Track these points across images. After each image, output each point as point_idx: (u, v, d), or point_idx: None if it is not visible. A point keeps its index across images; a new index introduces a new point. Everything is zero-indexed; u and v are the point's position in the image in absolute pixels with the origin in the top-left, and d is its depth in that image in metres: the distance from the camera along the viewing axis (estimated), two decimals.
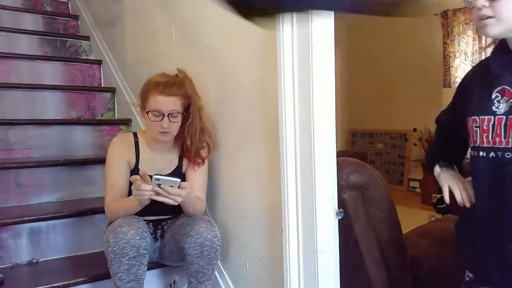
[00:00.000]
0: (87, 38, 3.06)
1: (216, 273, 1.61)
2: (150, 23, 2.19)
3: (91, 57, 2.98)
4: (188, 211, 1.53)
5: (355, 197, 1.35)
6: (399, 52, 5.33)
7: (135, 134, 1.64)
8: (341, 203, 1.26)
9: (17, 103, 2.32)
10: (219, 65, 1.63)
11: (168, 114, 1.48)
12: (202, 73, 1.68)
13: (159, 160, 1.58)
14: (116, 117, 2.63)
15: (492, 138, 0.98)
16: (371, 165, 1.45)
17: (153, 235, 1.61)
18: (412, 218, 2.81)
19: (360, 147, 5.96)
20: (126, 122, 2.44)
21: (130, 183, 1.50)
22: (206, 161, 1.62)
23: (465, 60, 4.66)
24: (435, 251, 1.65)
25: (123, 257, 1.32)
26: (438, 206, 3.61)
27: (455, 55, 4.73)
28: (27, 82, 2.47)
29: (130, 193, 1.48)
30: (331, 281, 1.21)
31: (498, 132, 0.97)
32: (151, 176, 1.33)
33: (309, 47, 1.15)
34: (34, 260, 1.71)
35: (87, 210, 1.82)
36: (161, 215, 1.62)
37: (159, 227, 1.62)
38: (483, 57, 1.18)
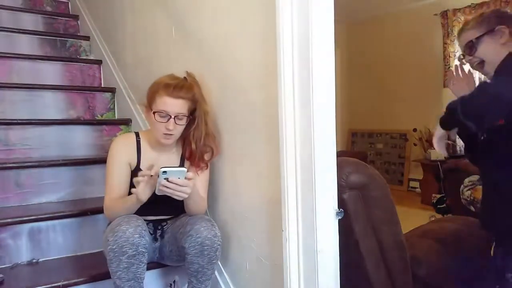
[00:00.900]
0: (87, 38, 3.06)
1: (216, 273, 1.61)
2: (150, 23, 2.19)
3: (91, 57, 2.98)
4: (191, 208, 1.53)
5: (355, 197, 1.35)
6: (399, 52, 5.33)
7: (137, 134, 1.63)
8: (341, 203, 1.26)
9: (17, 103, 2.32)
10: (219, 65, 1.63)
11: (174, 116, 1.49)
12: (202, 73, 1.68)
13: (161, 160, 1.58)
14: (116, 117, 2.63)
15: None
16: (371, 165, 1.45)
17: (153, 235, 1.61)
18: (412, 218, 2.82)
19: (360, 147, 5.96)
20: (126, 122, 2.44)
21: (131, 185, 1.51)
22: (209, 164, 1.63)
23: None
24: (435, 251, 1.65)
25: (122, 256, 1.32)
26: (438, 206, 3.62)
27: (455, 55, 4.74)
28: (27, 82, 2.47)
29: (130, 194, 1.49)
30: (331, 281, 1.21)
31: None
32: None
33: (309, 47, 1.15)
34: (34, 260, 1.71)
35: (87, 210, 1.82)
36: (161, 215, 1.62)
37: (159, 227, 1.62)
38: None
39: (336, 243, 1.21)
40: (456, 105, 1.17)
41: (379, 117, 5.66)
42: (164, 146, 1.59)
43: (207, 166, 1.61)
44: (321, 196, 1.17)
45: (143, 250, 1.36)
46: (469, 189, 2.41)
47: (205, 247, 1.42)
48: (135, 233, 1.34)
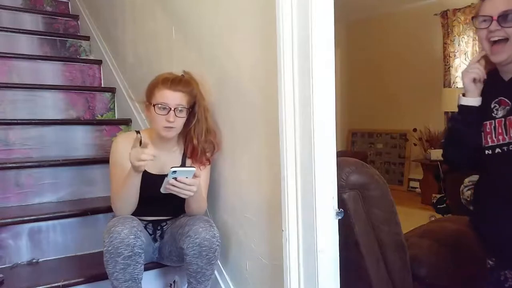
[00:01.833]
0: (87, 38, 3.06)
1: (216, 273, 1.61)
2: (150, 23, 2.19)
3: (91, 57, 2.98)
4: (192, 208, 1.54)
5: (355, 197, 1.35)
6: (399, 52, 5.33)
7: (137, 132, 1.63)
8: (341, 203, 1.26)
9: (17, 103, 2.32)
10: (219, 65, 1.63)
11: (174, 108, 1.49)
12: (202, 73, 1.68)
13: (163, 158, 1.58)
14: (116, 117, 2.63)
15: (495, 137, 1.22)
16: (371, 165, 1.45)
17: (152, 236, 1.61)
18: (412, 218, 2.82)
19: (360, 147, 5.96)
20: (126, 122, 2.44)
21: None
22: (211, 161, 1.63)
23: (465, 60, 4.67)
24: (435, 251, 1.65)
25: (118, 257, 1.32)
26: (438, 206, 3.62)
27: (455, 55, 4.74)
28: (27, 82, 2.47)
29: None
30: (331, 281, 1.20)
31: (500, 131, 1.21)
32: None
33: (309, 47, 1.15)
34: (34, 260, 1.71)
35: (87, 210, 1.82)
36: (161, 216, 1.62)
37: (159, 228, 1.62)
38: None
39: (336, 243, 1.21)
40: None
41: (379, 117, 5.66)
42: (165, 143, 1.59)
43: (209, 162, 1.61)
44: (321, 196, 1.17)
45: (139, 251, 1.35)
46: (469, 189, 2.41)
47: (204, 248, 1.41)
48: (130, 234, 1.34)
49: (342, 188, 1.30)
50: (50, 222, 1.75)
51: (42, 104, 2.40)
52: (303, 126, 1.19)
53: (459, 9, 4.69)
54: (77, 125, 2.35)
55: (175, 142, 1.62)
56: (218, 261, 1.55)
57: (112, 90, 2.64)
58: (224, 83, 1.61)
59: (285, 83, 1.21)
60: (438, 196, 3.86)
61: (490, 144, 1.22)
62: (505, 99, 1.22)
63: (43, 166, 1.96)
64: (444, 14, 4.82)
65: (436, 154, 4.22)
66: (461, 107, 1.29)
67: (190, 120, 1.57)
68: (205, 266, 1.43)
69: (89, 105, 2.57)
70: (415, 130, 5.06)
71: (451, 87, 4.69)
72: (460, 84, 4.45)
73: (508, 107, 1.21)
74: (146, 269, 1.42)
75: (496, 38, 1.18)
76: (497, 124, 1.21)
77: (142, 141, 1.39)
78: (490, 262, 1.24)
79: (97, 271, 1.58)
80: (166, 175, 1.37)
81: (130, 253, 1.33)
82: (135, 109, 2.35)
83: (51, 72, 2.64)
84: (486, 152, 1.23)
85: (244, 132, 1.52)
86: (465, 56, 4.67)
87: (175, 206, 1.58)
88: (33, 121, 2.22)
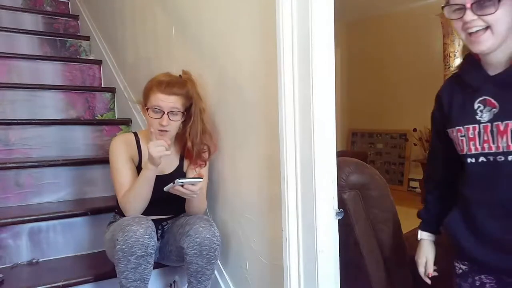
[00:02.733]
0: (87, 38, 3.06)
1: (216, 273, 1.61)
2: (150, 23, 2.19)
3: (91, 57, 2.98)
4: (193, 207, 1.54)
5: (355, 197, 1.35)
6: (399, 52, 5.33)
7: (135, 134, 1.64)
8: (341, 203, 1.26)
9: (17, 103, 2.32)
10: (219, 65, 1.63)
11: (168, 112, 1.49)
12: (202, 73, 1.68)
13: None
14: (116, 117, 2.63)
15: (480, 145, 1.05)
16: (371, 165, 1.45)
17: None
18: (412, 218, 2.81)
19: (360, 147, 5.96)
20: (126, 122, 2.44)
21: None
22: (207, 162, 1.63)
23: None
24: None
25: (131, 256, 1.32)
26: None
27: (455, 55, 4.73)
28: (27, 82, 2.47)
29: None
30: (331, 281, 1.21)
31: (486, 138, 1.04)
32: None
33: (309, 47, 1.15)
34: (34, 260, 1.71)
35: (87, 210, 1.82)
36: (162, 215, 1.62)
37: (160, 227, 1.62)
38: None
39: (336, 243, 1.21)
40: None
41: (379, 117, 5.65)
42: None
43: (205, 164, 1.61)
44: (321, 196, 1.17)
45: (152, 251, 1.36)
46: None
47: (204, 247, 1.41)
48: (146, 234, 1.34)
49: (342, 188, 1.31)
50: (50, 222, 1.75)
51: (42, 104, 2.40)
52: (303, 126, 1.19)
53: None
54: (77, 125, 2.35)
55: (172, 143, 1.62)
56: (218, 261, 1.55)
57: (112, 90, 2.64)
58: (224, 83, 1.61)
59: (285, 83, 1.21)
60: None
61: (473, 151, 1.06)
62: (492, 100, 1.03)
63: (43, 166, 1.96)
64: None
65: None
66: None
67: (186, 121, 1.57)
68: (205, 265, 1.43)
69: (89, 105, 2.57)
70: (415, 130, 5.06)
71: None
72: None
73: (495, 110, 1.02)
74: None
75: (474, 29, 0.99)
76: (483, 130, 1.04)
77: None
78: (463, 267, 1.16)
79: (97, 271, 1.58)
80: (164, 175, 1.38)
81: (143, 253, 1.33)
82: (135, 109, 2.35)
83: (51, 72, 2.64)
84: (469, 160, 1.07)
85: (244, 131, 1.52)
86: None
87: (176, 205, 1.59)
88: (33, 121, 2.22)
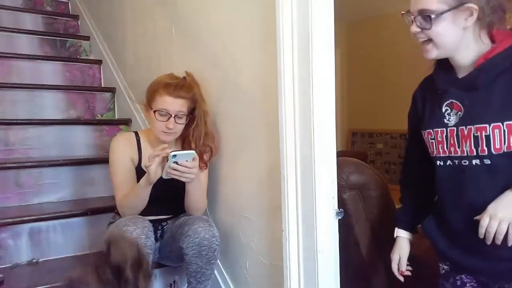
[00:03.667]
0: (87, 38, 3.06)
1: (216, 273, 1.61)
2: (150, 23, 2.19)
3: (91, 57, 2.97)
4: (192, 206, 1.54)
5: (355, 197, 1.35)
6: (399, 52, 5.32)
7: (136, 133, 1.64)
8: (341, 203, 1.26)
9: (17, 103, 2.32)
10: (219, 65, 1.63)
11: (174, 115, 1.49)
12: (202, 73, 1.68)
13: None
14: (116, 117, 2.62)
15: (447, 148, 1.06)
16: (371, 165, 1.45)
17: (153, 236, 1.61)
18: None
19: (360, 147, 5.96)
20: (126, 122, 2.44)
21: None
22: (208, 164, 1.63)
23: None
24: (435, 251, 1.65)
25: None
26: None
27: None
28: (27, 82, 2.46)
29: None
30: (331, 281, 1.21)
31: (452, 142, 1.04)
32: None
33: (309, 47, 1.15)
34: (34, 260, 1.70)
35: (87, 210, 1.82)
36: (162, 215, 1.62)
37: (159, 228, 1.62)
38: None
39: (336, 243, 1.21)
40: None
41: (379, 117, 5.65)
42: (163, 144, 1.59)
43: (206, 166, 1.61)
44: (321, 196, 1.17)
45: (149, 252, 1.36)
46: None
47: (203, 248, 1.41)
48: (142, 234, 1.34)
49: (342, 188, 1.31)
50: (50, 222, 1.75)
51: (42, 104, 2.40)
52: (303, 126, 1.19)
53: None
54: (77, 125, 2.34)
55: (172, 144, 1.62)
56: (218, 261, 1.55)
57: (112, 90, 2.63)
58: (224, 83, 1.61)
59: (285, 83, 1.21)
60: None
61: (441, 154, 1.07)
62: (457, 103, 1.04)
63: (43, 166, 1.96)
64: None
65: None
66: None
67: (189, 123, 1.57)
68: (204, 265, 1.43)
69: (89, 105, 2.56)
70: None
71: None
72: None
73: (460, 113, 1.03)
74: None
75: (420, 40, 1.06)
76: (449, 134, 1.05)
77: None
78: (445, 267, 1.17)
79: None
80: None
81: None
82: (135, 109, 2.35)
83: (51, 72, 2.64)
84: (438, 163, 1.08)
85: (244, 131, 1.52)
86: None
87: (176, 204, 1.59)
88: (33, 121, 2.21)
